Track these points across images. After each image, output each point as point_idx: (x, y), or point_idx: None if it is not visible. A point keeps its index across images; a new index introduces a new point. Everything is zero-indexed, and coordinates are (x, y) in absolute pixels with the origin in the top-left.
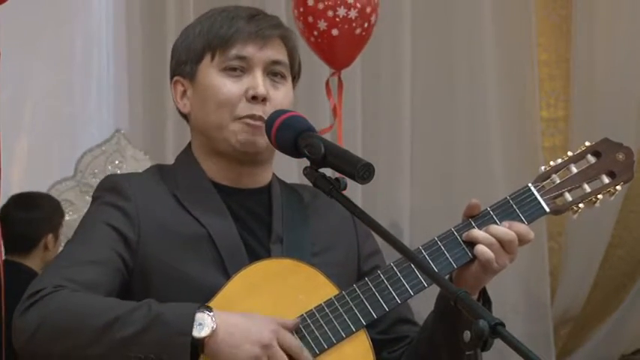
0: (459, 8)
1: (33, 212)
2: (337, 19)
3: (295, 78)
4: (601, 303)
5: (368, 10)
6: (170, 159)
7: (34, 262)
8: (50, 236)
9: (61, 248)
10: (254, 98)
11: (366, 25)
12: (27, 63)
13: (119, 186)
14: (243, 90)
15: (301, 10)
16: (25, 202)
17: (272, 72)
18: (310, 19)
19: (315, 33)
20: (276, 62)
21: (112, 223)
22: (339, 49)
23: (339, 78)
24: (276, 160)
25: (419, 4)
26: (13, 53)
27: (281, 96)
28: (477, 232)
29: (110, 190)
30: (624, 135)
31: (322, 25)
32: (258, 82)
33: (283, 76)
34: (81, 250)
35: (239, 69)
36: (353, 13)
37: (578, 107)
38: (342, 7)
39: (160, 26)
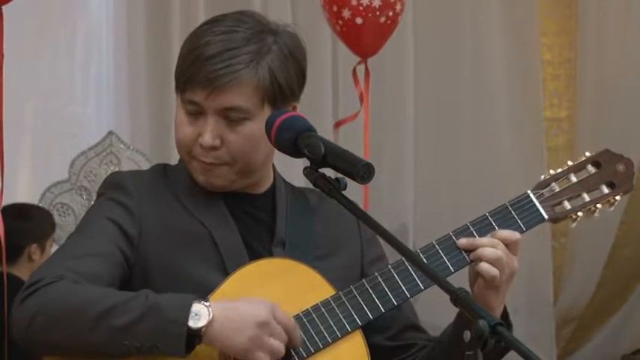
0: (464, 5)
1: (19, 222)
2: (361, 8)
3: (277, 101)
4: (605, 303)
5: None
6: (174, 160)
7: (20, 271)
8: (34, 246)
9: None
10: (201, 146)
11: (390, 13)
12: (27, 64)
13: (123, 183)
14: (196, 134)
15: None
16: (14, 211)
17: (227, 116)
18: (335, 7)
19: (340, 22)
20: (229, 109)
21: (114, 218)
22: (365, 37)
23: (366, 66)
24: (279, 160)
25: (423, 1)
26: (12, 53)
27: (238, 139)
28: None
29: (114, 187)
30: (628, 136)
31: (346, 13)
32: (206, 129)
33: (243, 119)
34: (82, 243)
35: (194, 112)
36: (377, 2)
37: (582, 107)
38: None
39: (163, 25)
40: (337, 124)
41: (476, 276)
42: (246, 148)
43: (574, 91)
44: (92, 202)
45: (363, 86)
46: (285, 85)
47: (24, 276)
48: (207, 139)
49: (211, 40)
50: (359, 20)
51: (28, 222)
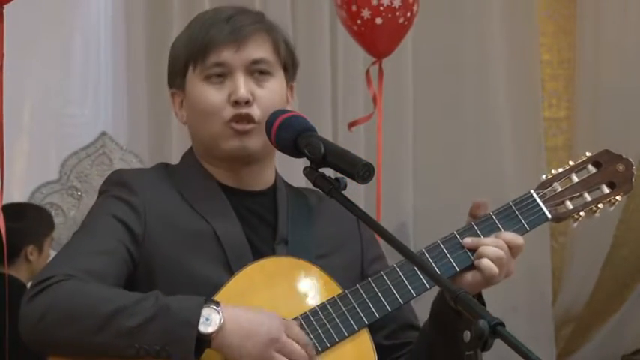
0: (464, 6)
1: (15, 222)
2: (381, 8)
3: (288, 67)
4: (603, 303)
5: (411, 0)
6: (173, 161)
7: (19, 272)
8: (31, 247)
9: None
10: (237, 102)
11: (408, 14)
12: (24, 64)
13: (127, 180)
14: (226, 96)
15: None
16: (11, 211)
17: (255, 71)
18: (354, 7)
19: (359, 22)
20: (256, 61)
21: (119, 215)
22: (382, 38)
23: (380, 66)
24: (279, 160)
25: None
26: (10, 53)
27: (267, 94)
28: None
29: (117, 185)
30: (627, 136)
31: (366, 13)
32: (239, 84)
33: (268, 73)
34: (88, 241)
35: (220, 75)
36: (397, 2)
37: (581, 108)
38: None
39: (162, 25)
40: (351, 125)
41: (475, 271)
42: (274, 104)
43: (573, 92)
44: (81, 203)
45: (377, 87)
46: (294, 54)
47: (22, 277)
48: (243, 92)
49: (221, 12)
50: (379, 20)
51: (23, 222)
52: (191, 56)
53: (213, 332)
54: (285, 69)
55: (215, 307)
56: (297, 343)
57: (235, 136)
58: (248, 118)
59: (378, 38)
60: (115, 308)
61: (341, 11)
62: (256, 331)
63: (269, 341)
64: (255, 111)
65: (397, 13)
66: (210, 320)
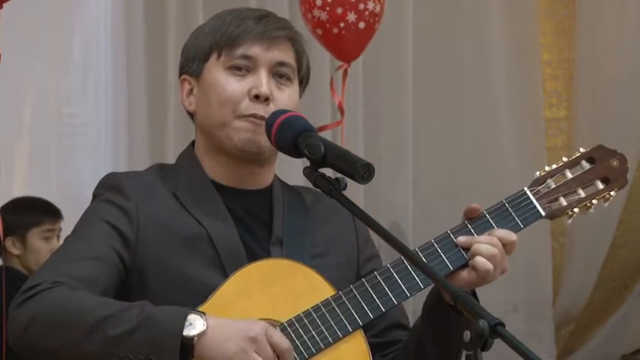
0: (464, 6)
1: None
2: (366, 13)
3: (303, 82)
4: (603, 303)
5: (384, 6)
6: (171, 160)
7: (15, 266)
8: (9, 240)
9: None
10: (257, 97)
11: (379, 20)
12: (24, 64)
13: (120, 184)
14: (246, 89)
15: (329, 1)
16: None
17: (277, 73)
18: (339, 10)
19: (342, 25)
20: (281, 64)
21: (111, 220)
22: (360, 42)
23: (346, 70)
24: (279, 160)
25: (422, 2)
26: (10, 54)
27: (285, 98)
28: (475, 246)
29: (110, 188)
30: (627, 136)
31: (351, 17)
32: (262, 81)
33: (289, 79)
34: (78, 247)
35: (244, 68)
36: (378, 8)
37: (581, 107)
38: (371, 1)
39: (162, 25)
40: (319, 130)
41: (470, 269)
42: (289, 109)
43: (573, 92)
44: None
45: (340, 94)
46: (309, 73)
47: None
48: (266, 88)
49: (252, 11)
50: (362, 25)
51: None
52: (218, 44)
53: (196, 336)
54: (301, 82)
55: (200, 314)
56: (278, 346)
57: (249, 130)
58: (263, 118)
59: (356, 42)
60: (101, 317)
61: (320, 12)
62: (237, 333)
63: (249, 341)
64: (271, 111)
65: (377, 19)
66: (193, 325)
